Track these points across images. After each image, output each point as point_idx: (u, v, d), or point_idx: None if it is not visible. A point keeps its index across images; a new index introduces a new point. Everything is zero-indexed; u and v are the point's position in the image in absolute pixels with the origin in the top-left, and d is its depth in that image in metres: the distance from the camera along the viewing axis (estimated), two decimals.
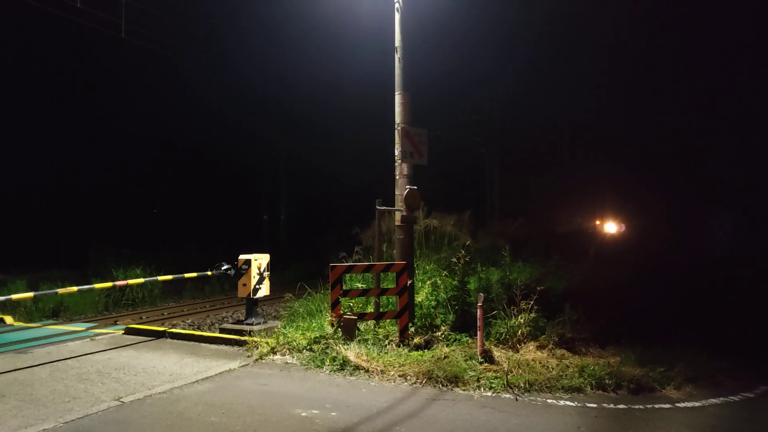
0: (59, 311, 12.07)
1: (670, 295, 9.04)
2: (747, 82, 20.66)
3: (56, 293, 9.13)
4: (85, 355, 8.04)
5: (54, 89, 22.52)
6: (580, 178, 25.64)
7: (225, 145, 27.32)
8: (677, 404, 5.72)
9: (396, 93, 9.04)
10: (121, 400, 5.92)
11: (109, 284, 9.67)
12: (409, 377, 6.55)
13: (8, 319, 11.18)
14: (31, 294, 8.49)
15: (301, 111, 26.39)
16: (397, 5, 9.07)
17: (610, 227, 22.96)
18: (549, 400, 5.83)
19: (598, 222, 24.12)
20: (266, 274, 9.31)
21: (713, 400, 5.83)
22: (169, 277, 10.17)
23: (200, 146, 26.78)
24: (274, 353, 7.70)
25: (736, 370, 6.57)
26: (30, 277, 14.01)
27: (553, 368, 6.59)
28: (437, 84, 20.35)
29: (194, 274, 9.96)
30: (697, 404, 5.73)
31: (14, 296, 8.20)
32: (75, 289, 8.98)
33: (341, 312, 8.12)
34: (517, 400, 5.87)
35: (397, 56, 9.05)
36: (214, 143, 26.98)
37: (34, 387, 6.44)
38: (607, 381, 6.16)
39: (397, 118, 8.98)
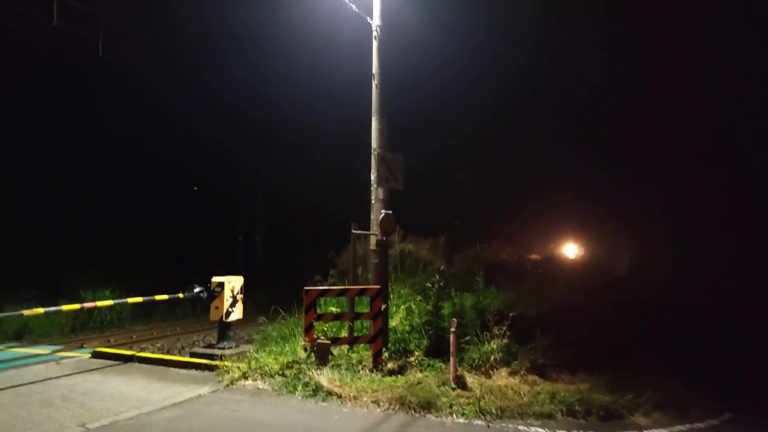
0: (24, 333, 11.72)
1: (638, 322, 9.22)
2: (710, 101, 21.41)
3: (21, 315, 8.88)
4: (50, 379, 7.81)
5: (25, 105, 22.16)
6: (553, 204, 26.18)
7: (201, 165, 27.14)
8: (645, 431, 5.80)
9: (373, 118, 9.16)
10: (86, 426, 5.76)
11: (76, 306, 9.45)
12: (381, 403, 6.51)
13: None
14: None
15: (279, 133, 26.44)
16: (374, 33, 9.25)
17: (579, 251, 23.43)
18: (520, 427, 5.86)
19: (569, 247, 24.60)
20: (239, 296, 9.21)
21: (680, 427, 5.92)
22: (139, 299, 9.99)
23: (176, 166, 26.54)
24: (246, 378, 7.59)
25: (702, 397, 6.69)
26: None
27: (524, 394, 6.64)
28: (415, 108, 20.69)
29: (165, 297, 9.81)
30: (664, 431, 5.81)
31: None
32: (41, 310, 8.75)
33: (315, 336, 8.06)
34: (488, 426, 5.88)
35: (374, 83, 9.19)
36: (190, 164, 26.76)
37: None
38: (577, 408, 6.22)
39: (374, 143, 9.08)
